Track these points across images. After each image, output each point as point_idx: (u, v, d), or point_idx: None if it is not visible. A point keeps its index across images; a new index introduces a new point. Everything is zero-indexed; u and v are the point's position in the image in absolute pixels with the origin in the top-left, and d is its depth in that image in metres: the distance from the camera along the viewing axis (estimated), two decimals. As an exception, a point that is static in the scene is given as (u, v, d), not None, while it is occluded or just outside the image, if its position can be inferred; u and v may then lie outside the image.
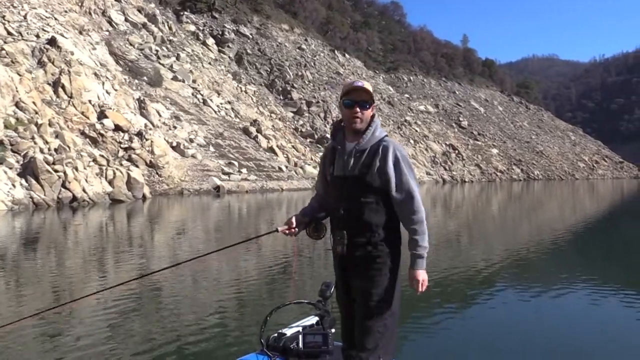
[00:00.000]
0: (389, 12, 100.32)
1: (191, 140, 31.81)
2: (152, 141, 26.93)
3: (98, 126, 25.02)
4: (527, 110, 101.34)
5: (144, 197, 22.80)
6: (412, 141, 58.09)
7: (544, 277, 8.36)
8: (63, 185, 19.53)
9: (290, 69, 54.15)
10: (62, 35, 29.31)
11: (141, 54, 38.61)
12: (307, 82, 53.77)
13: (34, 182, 18.74)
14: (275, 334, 2.98)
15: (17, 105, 21.51)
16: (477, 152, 68.71)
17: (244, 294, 6.77)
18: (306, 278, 7.58)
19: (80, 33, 32.77)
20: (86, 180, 20.68)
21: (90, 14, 37.59)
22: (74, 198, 19.47)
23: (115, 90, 29.33)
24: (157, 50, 40.67)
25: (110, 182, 21.87)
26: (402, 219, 2.64)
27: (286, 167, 36.18)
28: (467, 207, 26.10)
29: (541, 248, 11.61)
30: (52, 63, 25.97)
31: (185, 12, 51.94)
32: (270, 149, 37.41)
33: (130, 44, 38.86)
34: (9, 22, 26.86)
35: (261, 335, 2.93)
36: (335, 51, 68.04)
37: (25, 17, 28.68)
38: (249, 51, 53.80)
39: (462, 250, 11.20)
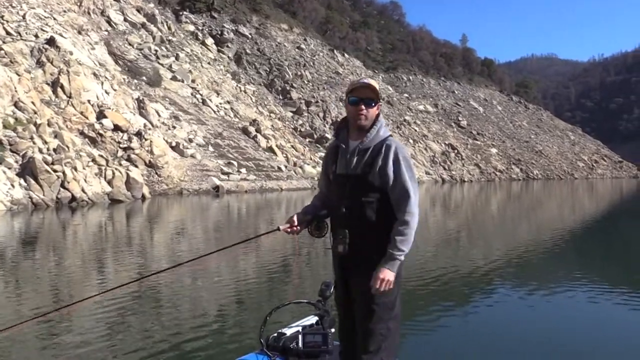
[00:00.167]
0: (388, 11, 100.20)
1: (190, 140, 31.78)
2: (151, 141, 26.90)
3: (97, 126, 24.99)
4: (526, 110, 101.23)
5: (143, 197, 22.77)
6: (411, 141, 58.04)
7: (544, 277, 8.36)
8: (62, 185, 19.49)
9: (290, 68, 54.11)
10: (61, 35, 29.27)
11: (140, 54, 38.56)
12: (306, 82, 53.72)
13: (32, 182, 18.71)
14: (275, 334, 2.98)
15: (15, 105, 21.48)
16: (477, 151, 68.67)
17: (243, 294, 6.77)
18: (306, 278, 7.58)
19: (79, 33, 32.73)
20: (85, 180, 20.66)
21: (89, 13, 37.54)
22: (73, 198, 19.44)
23: (114, 90, 29.30)
24: (156, 50, 40.61)
25: (110, 182, 21.85)
26: (396, 218, 2.61)
27: (285, 166, 36.14)
28: (467, 206, 26.10)
29: (540, 248, 11.61)
30: (51, 63, 25.93)
31: (185, 12, 51.88)
32: (270, 149, 37.37)
33: (129, 44, 38.81)
34: (7, 22, 26.80)
35: (261, 335, 2.93)
36: (335, 51, 68.00)
37: (24, 17, 28.64)
38: (248, 51, 53.77)
39: (462, 250, 11.18)
